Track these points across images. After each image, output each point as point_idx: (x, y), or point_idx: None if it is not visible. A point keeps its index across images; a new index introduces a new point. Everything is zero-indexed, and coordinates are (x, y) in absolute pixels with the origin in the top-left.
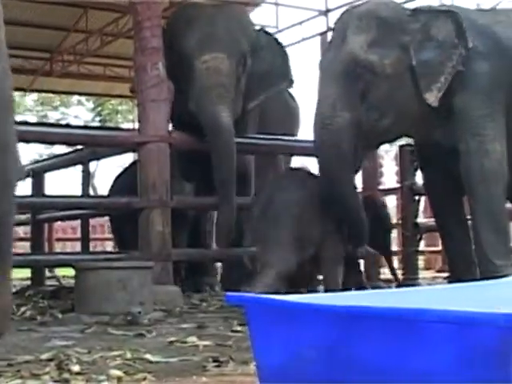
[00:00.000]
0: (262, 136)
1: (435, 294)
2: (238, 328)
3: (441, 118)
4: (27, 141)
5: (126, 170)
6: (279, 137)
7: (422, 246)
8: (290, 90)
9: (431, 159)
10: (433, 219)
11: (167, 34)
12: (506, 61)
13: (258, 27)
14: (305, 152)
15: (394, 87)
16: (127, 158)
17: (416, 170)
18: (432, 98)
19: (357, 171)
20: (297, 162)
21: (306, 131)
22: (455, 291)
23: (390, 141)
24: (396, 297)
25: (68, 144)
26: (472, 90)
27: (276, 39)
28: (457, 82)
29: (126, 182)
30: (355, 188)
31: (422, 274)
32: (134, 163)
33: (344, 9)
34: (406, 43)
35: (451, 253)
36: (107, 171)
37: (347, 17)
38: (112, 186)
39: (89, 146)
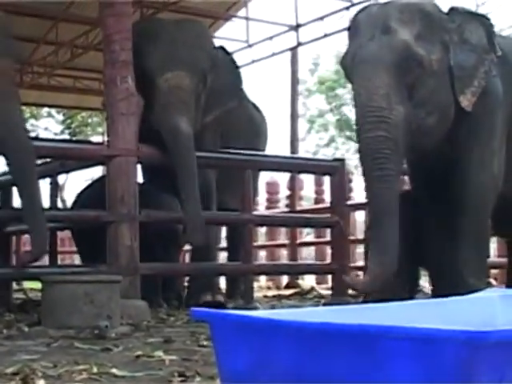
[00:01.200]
0: (226, 150)
1: (399, 311)
2: (205, 343)
3: (459, 122)
4: None
5: (89, 185)
6: (245, 151)
7: None
8: (256, 103)
9: (427, 172)
10: None
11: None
12: (509, 68)
13: (217, 44)
14: (273, 167)
15: (438, 85)
16: (97, 171)
17: None
18: (466, 101)
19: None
20: (265, 176)
21: (273, 145)
22: (419, 307)
23: (433, 144)
24: (361, 313)
25: (36, 157)
26: (490, 94)
27: (231, 57)
28: None
29: (89, 196)
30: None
31: None
32: (97, 180)
33: (314, 24)
34: (447, 42)
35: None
36: (76, 184)
37: (384, 9)
38: (75, 201)
39: (57, 159)
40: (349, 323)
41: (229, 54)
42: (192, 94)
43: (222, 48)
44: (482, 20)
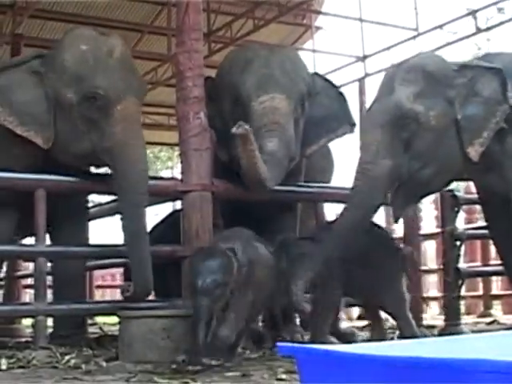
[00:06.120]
0: (299, 183)
1: (488, 342)
2: (283, 376)
3: (490, 167)
4: (73, 190)
5: (162, 221)
6: (322, 184)
7: (462, 291)
8: None
9: (492, 203)
10: (473, 264)
11: (220, 81)
12: None
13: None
14: (343, 199)
15: (437, 139)
16: (164, 207)
17: (457, 214)
18: (473, 152)
19: (397, 220)
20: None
21: (341, 176)
22: (506, 339)
23: (435, 191)
24: (446, 345)
25: (112, 193)
26: None
27: (331, 82)
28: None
29: (163, 231)
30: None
31: (464, 319)
32: (170, 215)
33: (381, 55)
34: (452, 97)
35: None
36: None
37: (395, 70)
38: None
39: None
40: (440, 357)
41: (327, 79)
42: (289, 117)
43: (318, 75)
44: (496, 72)
